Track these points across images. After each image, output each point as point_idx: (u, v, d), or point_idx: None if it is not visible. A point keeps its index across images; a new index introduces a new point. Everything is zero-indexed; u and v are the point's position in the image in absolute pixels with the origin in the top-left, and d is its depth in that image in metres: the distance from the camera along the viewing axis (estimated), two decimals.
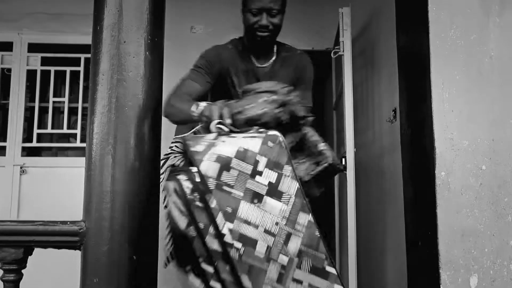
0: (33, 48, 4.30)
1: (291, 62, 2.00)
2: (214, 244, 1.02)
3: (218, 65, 1.95)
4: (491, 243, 1.72)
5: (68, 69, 4.28)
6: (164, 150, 1.74)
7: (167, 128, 1.91)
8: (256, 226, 1.03)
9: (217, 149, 1.10)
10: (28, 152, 4.26)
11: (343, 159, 3.18)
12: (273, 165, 1.08)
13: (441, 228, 1.71)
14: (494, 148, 1.75)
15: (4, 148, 4.18)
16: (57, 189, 4.03)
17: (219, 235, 1.01)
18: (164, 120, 1.78)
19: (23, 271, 1.46)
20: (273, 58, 2.00)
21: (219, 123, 1.29)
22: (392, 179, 2.93)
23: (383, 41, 3.21)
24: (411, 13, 1.99)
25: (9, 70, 4.26)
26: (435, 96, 1.76)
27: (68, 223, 1.47)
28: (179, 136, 2.12)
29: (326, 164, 1.46)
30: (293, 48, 2.07)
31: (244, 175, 1.06)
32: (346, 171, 3.09)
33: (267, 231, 1.04)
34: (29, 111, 4.34)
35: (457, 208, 1.72)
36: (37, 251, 1.45)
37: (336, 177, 3.86)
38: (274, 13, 1.87)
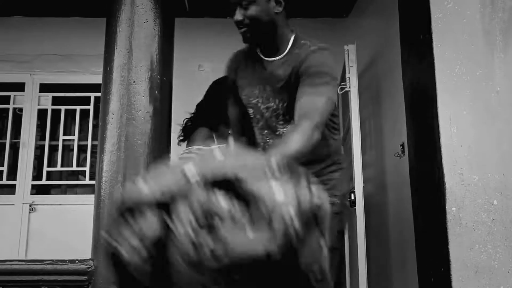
0: (45, 88, 4.38)
1: (295, 59, 1.73)
2: None
3: (232, 72, 1.89)
4: (507, 280, 1.67)
5: (78, 108, 4.34)
6: None
7: None
8: None
9: None
10: (37, 190, 4.27)
11: (352, 194, 3.16)
12: None
13: (454, 265, 1.67)
14: (505, 183, 1.73)
15: (13, 186, 4.20)
16: (66, 226, 4.01)
17: None
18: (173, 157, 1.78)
19: None
20: (283, 53, 1.77)
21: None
22: (402, 213, 2.89)
23: (388, 77, 3.24)
24: (417, 50, 2.02)
25: (21, 109, 4.33)
26: (443, 131, 1.76)
27: (77, 261, 1.46)
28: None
29: None
30: (307, 45, 1.73)
31: None
32: (355, 206, 3.07)
33: None
34: (39, 149, 4.38)
35: (470, 244, 1.69)
36: None
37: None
38: (245, 4, 1.67)
